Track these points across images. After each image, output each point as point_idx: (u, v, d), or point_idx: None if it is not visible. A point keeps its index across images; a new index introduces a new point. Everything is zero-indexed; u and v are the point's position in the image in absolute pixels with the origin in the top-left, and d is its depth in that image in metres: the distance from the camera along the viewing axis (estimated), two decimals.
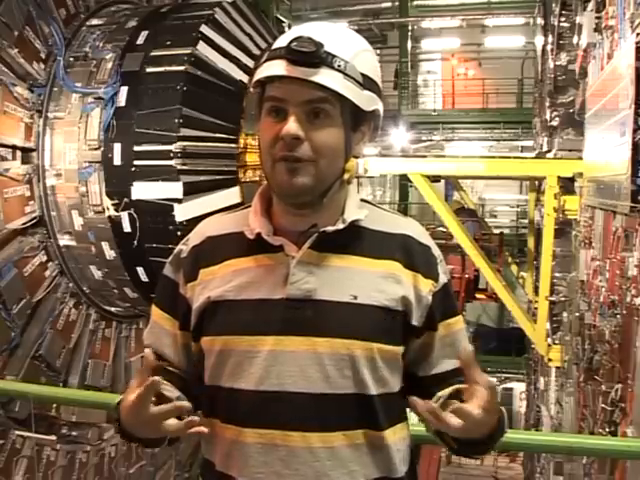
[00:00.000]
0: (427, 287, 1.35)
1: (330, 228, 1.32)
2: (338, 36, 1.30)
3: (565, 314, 7.22)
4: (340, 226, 1.33)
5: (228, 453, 1.32)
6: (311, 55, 1.24)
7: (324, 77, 1.24)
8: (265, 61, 1.29)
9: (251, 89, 1.35)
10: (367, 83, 1.31)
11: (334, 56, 1.25)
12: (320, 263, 1.32)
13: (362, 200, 1.44)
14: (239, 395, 1.30)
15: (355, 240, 1.35)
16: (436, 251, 1.41)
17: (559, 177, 6.90)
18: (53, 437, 4.45)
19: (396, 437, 1.34)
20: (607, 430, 3.78)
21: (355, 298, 1.29)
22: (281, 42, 1.28)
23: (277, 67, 1.25)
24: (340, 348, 1.28)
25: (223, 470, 1.33)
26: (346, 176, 1.35)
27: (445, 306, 1.39)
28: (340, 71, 1.26)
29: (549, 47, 8.88)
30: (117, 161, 4.14)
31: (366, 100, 1.30)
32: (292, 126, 1.25)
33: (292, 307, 1.29)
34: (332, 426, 1.28)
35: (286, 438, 1.27)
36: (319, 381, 1.28)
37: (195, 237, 1.44)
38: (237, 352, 1.31)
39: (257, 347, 1.30)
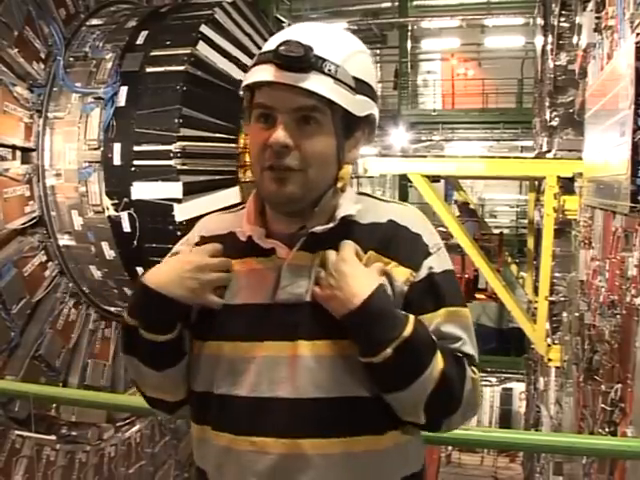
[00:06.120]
0: (403, 276, 1.27)
1: (319, 228, 1.27)
2: (329, 38, 1.25)
3: (565, 314, 7.22)
4: (330, 225, 1.28)
5: (220, 462, 1.29)
6: (299, 60, 1.18)
7: (313, 83, 1.19)
8: (253, 65, 1.25)
9: (240, 93, 1.31)
10: (360, 87, 1.25)
11: (324, 60, 1.20)
12: (312, 264, 1.27)
13: (360, 193, 1.38)
14: (233, 402, 1.27)
15: (347, 236, 1.28)
16: (431, 240, 1.32)
17: (559, 177, 6.92)
18: (53, 437, 4.44)
19: (397, 442, 1.28)
20: (607, 430, 3.78)
21: None
22: (270, 45, 1.23)
23: (265, 72, 1.21)
24: (327, 351, 1.24)
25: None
26: (339, 184, 1.31)
27: (431, 298, 1.28)
28: (330, 76, 1.20)
29: (549, 47, 8.89)
30: (117, 161, 4.13)
31: (359, 105, 1.25)
32: (280, 134, 1.20)
33: (282, 312, 1.26)
34: (324, 432, 1.23)
35: (279, 445, 1.23)
36: (309, 386, 1.23)
37: (194, 237, 1.41)
38: (229, 358, 1.28)
39: (250, 353, 1.27)
